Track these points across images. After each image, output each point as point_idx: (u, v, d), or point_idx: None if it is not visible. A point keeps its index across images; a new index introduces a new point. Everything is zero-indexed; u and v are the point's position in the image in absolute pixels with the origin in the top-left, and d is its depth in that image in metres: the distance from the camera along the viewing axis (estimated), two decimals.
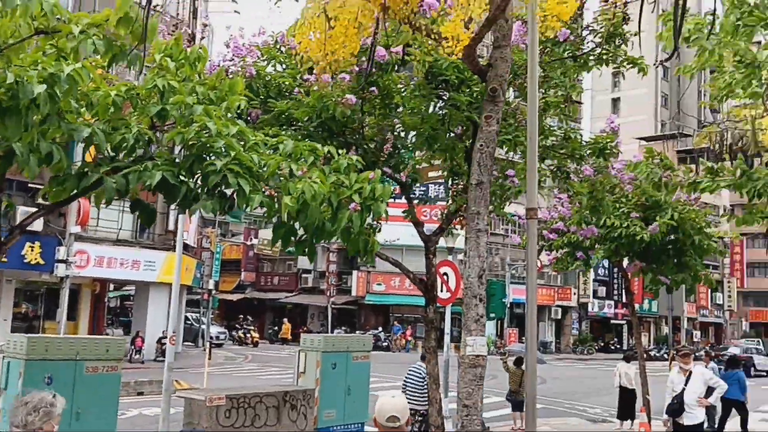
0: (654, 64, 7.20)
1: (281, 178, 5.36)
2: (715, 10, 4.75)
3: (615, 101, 78.44)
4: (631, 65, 9.53)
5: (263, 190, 5.36)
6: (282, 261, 55.23)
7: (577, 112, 11.05)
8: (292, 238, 5.41)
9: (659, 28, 8.78)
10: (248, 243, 54.44)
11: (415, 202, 12.48)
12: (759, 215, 9.70)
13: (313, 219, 4.88)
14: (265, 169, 5.38)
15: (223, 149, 5.55)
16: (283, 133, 8.32)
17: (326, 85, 8.15)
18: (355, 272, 48.10)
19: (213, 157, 5.54)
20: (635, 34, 7.12)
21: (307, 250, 5.21)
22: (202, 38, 20.54)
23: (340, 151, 5.85)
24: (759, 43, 9.35)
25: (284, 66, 10.23)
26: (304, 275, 52.55)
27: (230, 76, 8.76)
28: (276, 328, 51.59)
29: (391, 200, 12.40)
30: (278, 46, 10.56)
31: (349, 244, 5.07)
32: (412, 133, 10.85)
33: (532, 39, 3.74)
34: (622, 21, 8.61)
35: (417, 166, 11.89)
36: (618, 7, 8.35)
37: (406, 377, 12.84)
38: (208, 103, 6.06)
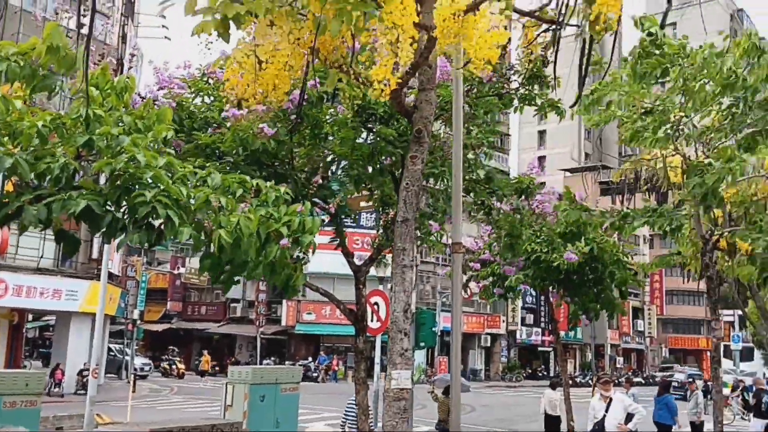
0: (570, 107, 7.63)
1: (210, 211, 5.37)
2: (609, 64, 5.06)
3: (541, 133, 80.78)
4: (550, 108, 9.97)
5: (192, 222, 5.35)
6: (210, 290, 54.20)
7: (476, 158, 11.45)
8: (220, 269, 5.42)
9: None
10: (175, 272, 53.27)
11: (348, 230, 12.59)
12: (669, 259, 10.38)
13: (246, 253, 4.92)
14: (193, 201, 5.38)
15: (151, 181, 5.52)
16: (209, 165, 8.33)
17: (240, 120, 8.22)
18: (284, 301, 47.60)
19: (140, 188, 5.50)
20: (554, 78, 7.46)
21: (227, 282, 5.23)
22: (130, 68, 20.28)
23: (268, 183, 5.90)
24: (664, 83, 9.93)
25: (212, 98, 10.23)
26: (232, 305, 51.68)
27: (158, 106, 8.73)
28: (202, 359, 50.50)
29: (323, 228, 12.45)
30: (205, 78, 10.57)
31: (272, 278, 5.12)
32: (343, 163, 11.00)
33: (456, 86, 3.95)
34: (542, 64, 8.99)
35: (348, 196, 12.01)
36: (540, 47, 8.71)
37: (346, 409, 12.78)
38: (135, 132, 6.03)
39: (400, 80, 3.21)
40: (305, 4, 3.37)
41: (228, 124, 8.68)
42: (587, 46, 3.65)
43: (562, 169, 68.03)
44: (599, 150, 74.38)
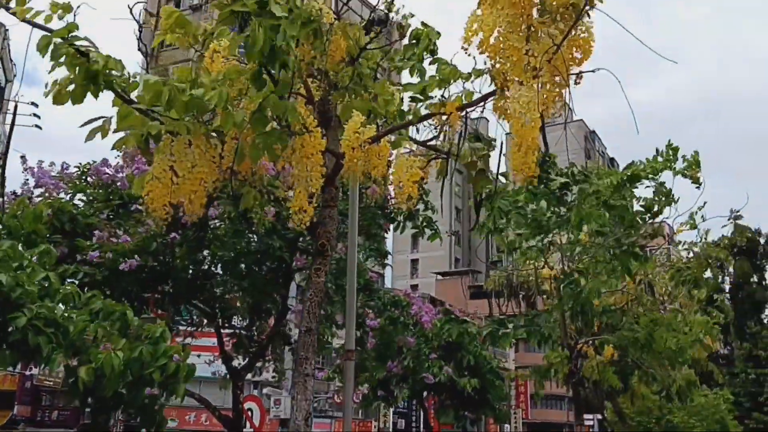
0: (446, 233, 8.31)
1: (85, 343, 5.35)
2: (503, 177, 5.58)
3: (414, 236, 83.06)
4: (428, 227, 10.65)
5: (67, 347, 5.27)
6: (64, 393, 50.29)
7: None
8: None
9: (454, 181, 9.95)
10: (26, 372, 49.18)
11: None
12: (542, 369, 11.18)
13: (109, 392, 4.98)
14: (72, 324, 5.30)
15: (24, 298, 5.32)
16: (84, 268, 8.18)
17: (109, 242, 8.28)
18: None
19: (13, 308, 5.27)
20: (440, 207, 8.02)
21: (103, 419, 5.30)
22: None
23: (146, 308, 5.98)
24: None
25: (92, 198, 9.95)
26: (87, 410, 48.05)
27: (32, 205, 8.49)
28: None
29: (199, 330, 12.20)
30: (85, 177, 10.35)
31: (143, 418, 5.19)
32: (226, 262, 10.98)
33: (352, 203, 4.27)
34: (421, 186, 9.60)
35: (226, 296, 11.91)
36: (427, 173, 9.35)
37: None
38: (6, 234, 5.90)
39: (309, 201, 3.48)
40: (219, 127, 3.60)
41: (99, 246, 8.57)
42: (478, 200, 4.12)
43: (435, 272, 69.97)
44: (470, 249, 77.27)
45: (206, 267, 10.95)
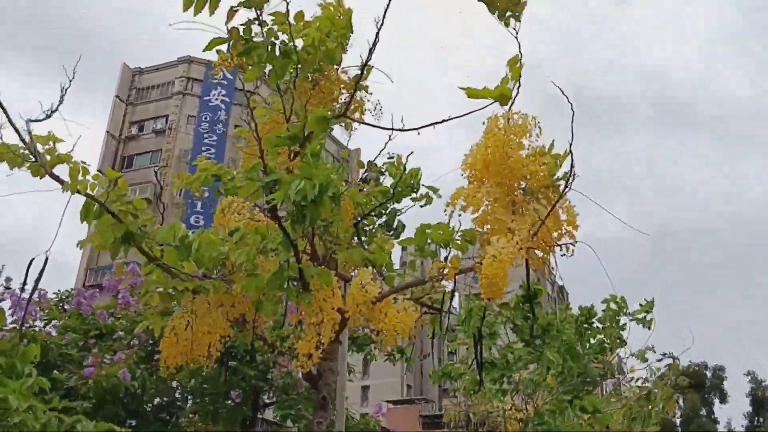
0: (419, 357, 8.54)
1: None
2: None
3: (365, 363, 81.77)
4: (399, 352, 10.89)
5: None
6: None
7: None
8: None
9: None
10: None
11: None
12: None
13: None
14: None
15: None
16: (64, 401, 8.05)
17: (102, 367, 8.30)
18: None
19: None
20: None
21: None
22: None
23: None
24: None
25: (67, 328, 9.88)
26: None
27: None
28: None
29: None
30: (62, 305, 10.33)
31: None
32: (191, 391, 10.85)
33: (343, 348, 4.58)
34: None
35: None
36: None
37: None
38: None
39: (321, 356, 3.80)
40: (240, 290, 3.94)
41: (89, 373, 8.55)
42: (479, 345, 4.50)
43: (387, 400, 68.68)
44: (422, 377, 76.35)
45: (168, 399, 10.82)
